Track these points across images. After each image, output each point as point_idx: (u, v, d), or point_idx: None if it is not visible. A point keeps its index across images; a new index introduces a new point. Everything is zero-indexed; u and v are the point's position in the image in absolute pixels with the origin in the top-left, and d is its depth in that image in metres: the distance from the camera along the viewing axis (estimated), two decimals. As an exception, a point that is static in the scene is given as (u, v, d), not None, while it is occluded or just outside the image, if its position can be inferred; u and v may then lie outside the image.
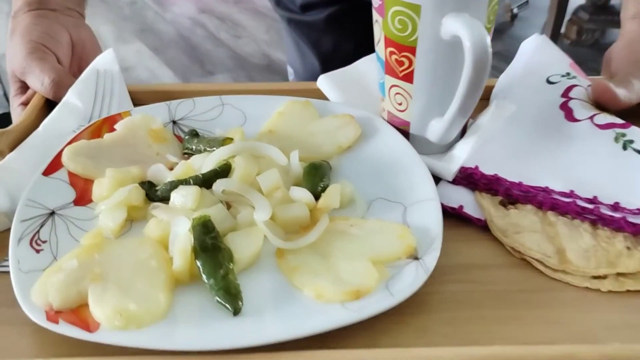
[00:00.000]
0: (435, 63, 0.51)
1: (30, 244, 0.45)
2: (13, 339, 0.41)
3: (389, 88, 0.56)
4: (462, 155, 0.54)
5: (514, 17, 3.34)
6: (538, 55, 0.66)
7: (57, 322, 0.40)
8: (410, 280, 0.43)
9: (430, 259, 0.44)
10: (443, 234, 0.46)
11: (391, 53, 0.53)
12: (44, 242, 0.46)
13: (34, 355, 0.40)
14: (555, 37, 2.75)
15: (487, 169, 0.53)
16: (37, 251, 0.45)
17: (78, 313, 0.41)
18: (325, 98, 0.63)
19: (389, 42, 0.52)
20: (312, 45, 0.99)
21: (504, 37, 3.12)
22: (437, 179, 0.53)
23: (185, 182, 0.48)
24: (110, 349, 0.39)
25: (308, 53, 1.00)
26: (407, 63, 0.52)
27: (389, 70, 0.54)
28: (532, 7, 3.27)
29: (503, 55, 2.89)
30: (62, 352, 0.40)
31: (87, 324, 0.40)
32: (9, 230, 0.47)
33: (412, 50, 0.51)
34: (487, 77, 0.49)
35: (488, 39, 0.47)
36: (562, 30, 2.93)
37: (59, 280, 0.41)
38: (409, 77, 0.53)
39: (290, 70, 1.12)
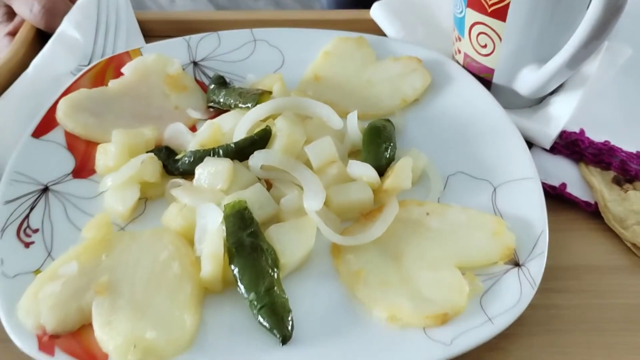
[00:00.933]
0: (539, -2, 0.39)
1: (18, 234, 0.35)
2: (-1, 364, 0.32)
3: (471, 25, 0.43)
4: (564, 114, 0.42)
5: None
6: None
7: (52, 353, 0.30)
8: (512, 297, 0.32)
9: (536, 267, 0.33)
10: (542, 223, 0.36)
11: (479, -21, 0.40)
12: (35, 231, 0.36)
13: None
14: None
15: (597, 135, 0.42)
16: (27, 245, 0.35)
17: (80, 338, 0.31)
18: (380, 32, 0.51)
19: (477, -35, 0.40)
20: None
21: None
22: (527, 144, 0.42)
23: (213, 152, 0.38)
24: (122, 387, 0.30)
25: None
26: (500, -6, 0.40)
27: (473, 3, 0.42)
28: None
29: None
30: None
31: (93, 356, 0.30)
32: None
33: (510, -24, 0.39)
34: (618, 20, 0.37)
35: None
36: None
37: (55, 292, 0.32)
38: (500, 14, 0.41)
39: None
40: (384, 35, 0.51)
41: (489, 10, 0.41)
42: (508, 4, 0.40)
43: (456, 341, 0.31)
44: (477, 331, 0.31)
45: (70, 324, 0.31)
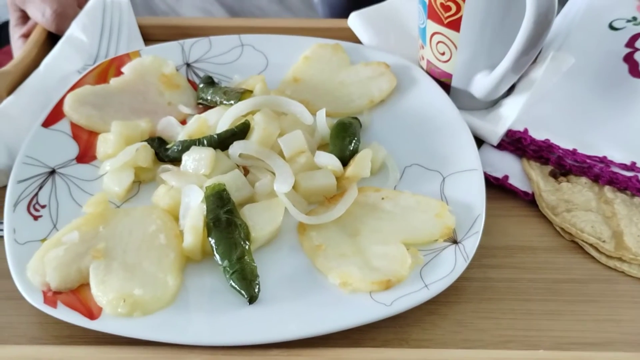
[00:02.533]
0: (487, 10, 0.45)
1: (28, 209, 0.41)
2: (9, 317, 0.38)
3: (431, 35, 0.49)
4: (510, 115, 0.48)
5: None
6: (600, -6, 0.58)
7: (55, 306, 0.36)
8: (447, 268, 0.38)
9: (471, 244, 0.39)
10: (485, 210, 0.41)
11: (436, -5, 0.46)
12: (43, 207, 0.41)
13: (33, 336, 0.37)
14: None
15: (538, 133, 0.47)
16: (35, 218, 0.41)
17: (79, 295, 0.37)
18: (357, 39, 0.56)
19: (434, -17, 0.45)
20: None
21: None
22: (479, 142, 0.48)
23: (198, 142, 0.43)
24: (116, 336, 0.35)
25: None
26: (454, 8, 0.45)
27: (433, 15, 0.47)
28: None
29: None
30: (64, 333, 0.37)
31: (89, 309, 0.36)
32: (4, 187, 0.42)
33: (462, -7, 0.44)
34: (549, 32, 0.42)
35: (554, -10, 0.40)
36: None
37: (58, 256, 0.37)
38: (455, 25, 0.46)
39: None
40: (360, 42, 0.57)
41: (445, 22, 0.47)
42: (461, 17, 0.46)
43: (395, 303, 0.36)
44: (415, 295, 0.36)
45: (70, 282, 0.37)
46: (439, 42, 0.49)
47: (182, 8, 2.26)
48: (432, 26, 0.48)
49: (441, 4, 0.46)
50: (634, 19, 0.55)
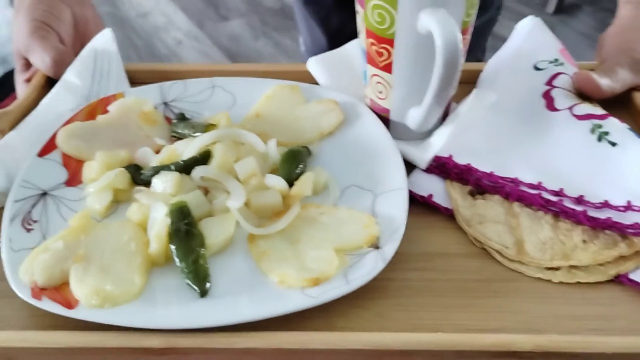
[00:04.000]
0: (412, 55, 0.53)
1: (22, 224, 0.49)
2: (3, 312, 0.45)
3: (371, 77, 0.57)
4: (437, 143, 0.56)
5: None
6: (529, 39, 0.66)
7: (40, 299, 0.43)
8: (368, 268, 0.45)
9: (390, 249, 0.46)
10: (410, 222, 0.49)
11: (371, 44, 0.54)
12: (35, 222, 0.49)
13: (22, 327, 0.44)
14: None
15: (461, 159, 0.54)
16: (28, 230, 0.49)
17: (60, 291, 0.44)
18: (315, 81, 0.65)
19: (369, 34, 0.54)
20: (320, 21, 1.00)
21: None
22: (412, 166, 0.55)
23: (167, 167, 0.51)
24: (89, 324, 0.43)
25: (316, 28, 1.01)
26: (386, 54, 0.54)
27: (370, 60, 0.56)
28: None
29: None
30: (47, 324, 0.44)
31: (68, 301, 0.44)
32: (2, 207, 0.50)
33: (391, 42, 0.53)
34: (459, 71, 0.50)
35: (459, 36, 0.48)
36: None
37: (45, 259, 0.45)
38: (388, 68, 0.55)
39: (301, 40, 1.13)
40: (317, 84, 0.65)
41: (380, 65, 0.55)
42: (392, 61, 0.54)
43: (321, 295, 0.43)
44: (337, 289, 0.44)
45: (54, 281, 0.45)
46: (377, 82, 0.57)
47: (183, 51, 2.39)
48: (370, 69, 0.57)
49: (375, 50, 0.54)
50: (556, 60, 0.63)
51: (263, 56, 2.41)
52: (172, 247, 0.46)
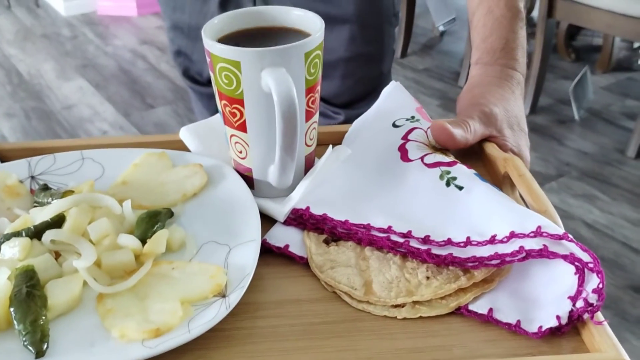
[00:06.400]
0: (263, 113, 0.55)
1: None
2: None
3: (230, 137, 0.59)
4: (295, 197, 0.58)
5: (442, 32, 3.48)
6: (389, 100, 0.70)
7: None
8: (210, 316, 0.45)
9: (235, 296, 0.47)
10: (266, 273, 0.50)
11: (225, 105, 0.57)
12: None
13: None
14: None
15: (318, 209, 0.56)
16: None
17: None
18: (187, 149, 0.67)
19: (221, 96, 0.56)
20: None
21: (433, 53, 3.24)
22: (273, 221, 0.57)
23: (18, 234, 0.51)
24: None
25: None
26: (238, 114, 0.56)
27: (227, 121, 0.58)
28: (459, 20, 3.42)
29: (433, 71, 3.04)
30: None
31: None
32: None
33: (241, 102, 0.55)
34: (300, 125, 0.53)
35: (293, 92, 0.51)
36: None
37: None
38: (242, 127, 0.57)
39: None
40: (189, 151, 0.67)
41: (235, 125, 0.57)
42: (245, 120, 0.56)
43: (159, 346, 0.43)
44: (177, 339, 0.43)
45: None
46: (236, 142, 0.59)
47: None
48: (228, 130, 0.59)
49: (229, 111, 0.57)
50: (412, 117, 0.67)
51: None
52: (12, 309, 0.45)
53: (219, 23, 0.58)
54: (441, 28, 3.41)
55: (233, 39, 0.58)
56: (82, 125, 2.63)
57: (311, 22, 0.58)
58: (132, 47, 3.44)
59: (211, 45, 0.54)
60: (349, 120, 1.01)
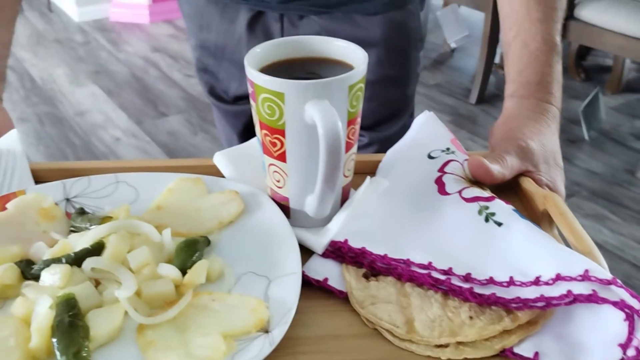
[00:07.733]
0: (303, 144, 0.55)
1: None
2: None
3: (268, 166, 0.59)
4: (333, 229, 0.57)
5: (454, 49, 3.50)
6: (423, 131, 0.70)
7: None
8: (254, 352, 0.45)
9: (279, 332, 0.46)
10: (305, 307, 0.49)
11: (265, 135, 0.57)
12: None
13: None
14: (488, 67, 2.88)
15: (356, 243, 0.56)
16: None
17: None
18: (222, 174, 0.67)
19: (262, 125, 0.56)
20: (238, 133, 1.05)
21: (444, 68, 3.26)
22: (310, 252, 0.56)
23: (58, 260, 0.51)
24: None
25: (233, 137, 1.06)
26: (279, 144, 0.56)
27: (266, 151, 0.58)
28: (470, 37, 3.43)
29: (444, 87, 3.04)
30: None
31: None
32: None
33: (282, 132, 0.55)
34: (343, 158, 0.53)
35: (339, 126, 0.51)
36: (496, 60, 3.07)
37: None
38: (282, 157, 0.57)
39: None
40: (223, 176, 0.67)
41: (275, 155, 0.57)
42: (285, 151, 0.56)
43: (204, 381, 0.43)
44: (222, 374, 0.43)
45: None
46: (274, 171, 0.59)
47: (120, 149, 2.40)
48: (267, 159, 0.59)
49: (269, 141, 0.57)
50: (448, 149, 0.66)
51: (201, 151, 2.46)
52: (54, 340, 0.45)
53: (261, 52, 0.58)
54: (453, 45, 3.42)
55: (275, 68, 0.58)
56: (95, 132, 2.63)
57: (354, 54, 0.58)
58: (144, 54, 3.46)
59: (255, 75, 0.54)
60: (373, 143, 1.01)
